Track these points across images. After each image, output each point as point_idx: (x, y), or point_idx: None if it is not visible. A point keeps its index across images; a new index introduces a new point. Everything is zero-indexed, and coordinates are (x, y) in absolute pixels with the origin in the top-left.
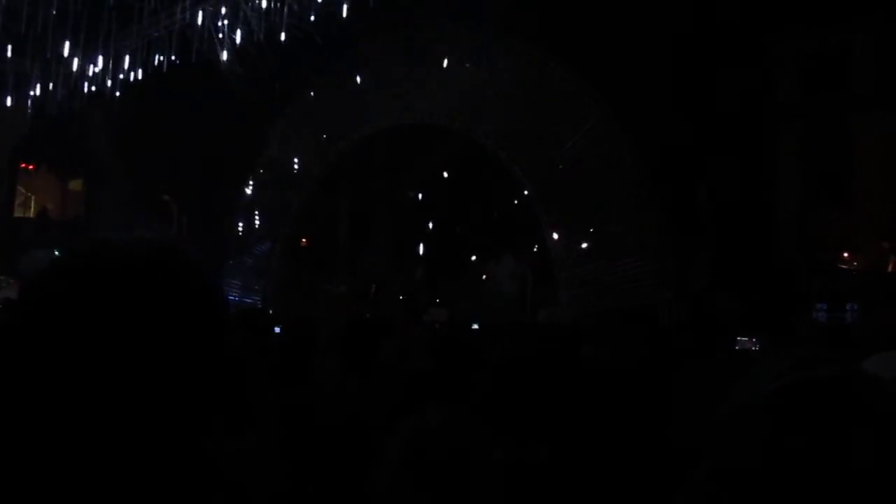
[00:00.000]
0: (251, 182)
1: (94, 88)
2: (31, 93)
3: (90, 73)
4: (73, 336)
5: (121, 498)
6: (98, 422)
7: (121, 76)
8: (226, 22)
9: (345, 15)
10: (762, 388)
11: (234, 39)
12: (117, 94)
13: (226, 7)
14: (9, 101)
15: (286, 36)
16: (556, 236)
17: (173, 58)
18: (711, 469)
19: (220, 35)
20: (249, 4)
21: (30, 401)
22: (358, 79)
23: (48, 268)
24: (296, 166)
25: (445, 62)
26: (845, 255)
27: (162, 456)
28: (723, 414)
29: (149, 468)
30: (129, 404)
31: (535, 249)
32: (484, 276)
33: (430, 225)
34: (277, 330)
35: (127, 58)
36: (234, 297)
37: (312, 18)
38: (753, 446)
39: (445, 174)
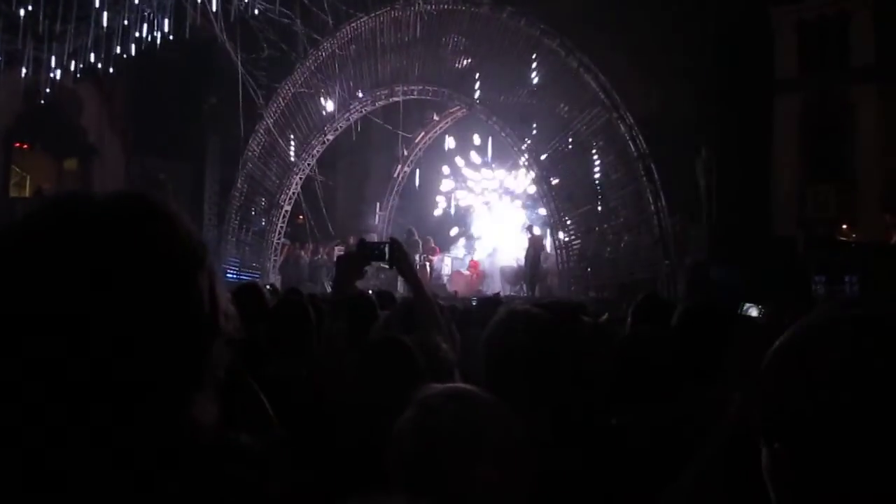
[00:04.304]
0: (247, 159)
1: (87, 65)
2: (24, 71)
3: (83, 51)
4: (41, 286)
5: (89, 459)
6: (67, 377)
7: (114, 51)
8: None
9: None
10: (830, 315)
11: (230, 13)
12: (111, 70)
13: None
14: (1, 80)
15: (280, 9)
16: (556, 212)
17: (167, 33)
18: (773, 389)
19: (214, 10)
20: None
21: None
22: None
23: (18, 220)
24: (293, 143)
25: (447, 39)
26: (844, 227)
27: (137, 417)
28: (785, 339)
29: (120, 430)
30: (98, 355)
31: (534, 227)
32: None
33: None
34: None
35: (119, 34)
36: (233, 274)
37: None
38: (825, 367)
39: None
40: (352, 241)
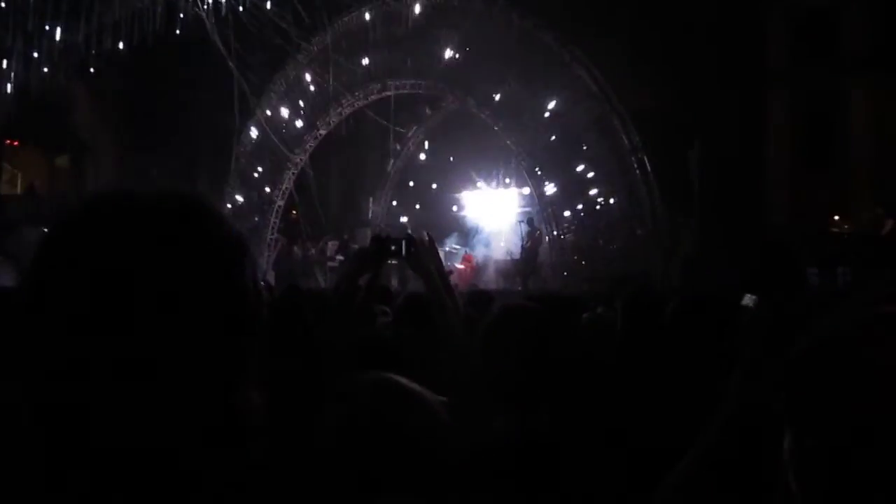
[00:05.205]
0: (240, 155)
1: (78, 62)
2: (14, 67)
3: (74, 47)
4: (99, 284)
5: (152, 448)
6: (124, 372)
7: (105, 47)
8: None
9: None
10: (855, 319)
11: (220, 8)
12: (102, 66)
13: None
14: None
15: (271, 4)
16: (549, 206)
17: (158, 29)
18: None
19: (206, 5)
20: None
21: (55, 348)
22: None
23: (70, 214)
24: (285, 138)
25: (439, 32)
26: (836, 218)
27: (191, 407)
28: (806, 342)
29: (177, 420)
30: (155, 353)
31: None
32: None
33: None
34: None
35: (110, 30)
36: None
37: None
38: (847, 373)
39: None
40: (346, 236)
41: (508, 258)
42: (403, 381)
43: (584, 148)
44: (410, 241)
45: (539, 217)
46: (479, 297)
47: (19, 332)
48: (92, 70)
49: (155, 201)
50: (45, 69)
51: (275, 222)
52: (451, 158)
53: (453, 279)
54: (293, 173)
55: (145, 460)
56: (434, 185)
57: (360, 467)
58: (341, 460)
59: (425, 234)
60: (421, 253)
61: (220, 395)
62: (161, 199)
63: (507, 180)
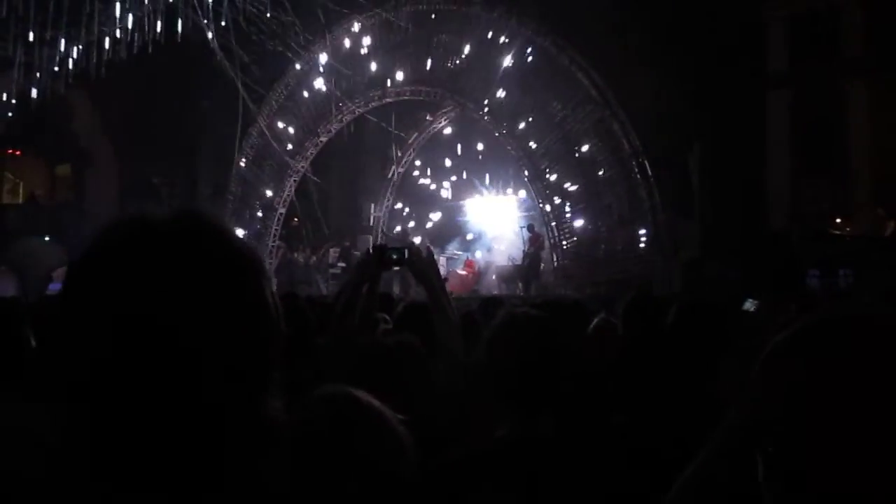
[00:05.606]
0: (241, 162)
1: (78, 71)
2: (15, 76)
3: (74, 56)
4: (129, 306)
5: (182, 462)
6: (154, 389)
7: (106, 56)
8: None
9: None
10: (823, 316)
11: (221, 15)
12: (102, 76)
13: None
14: None
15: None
16: (550, 210)
17: (158, 37)
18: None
19: (206, 13)
20: None
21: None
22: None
23: (93, 244)
24: (286, 145)
25: (439, 38)
26: (837, 220)
27: (218, 419)
28: (778, 341)
29: (204, 432)
30: (186, 374)
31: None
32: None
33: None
34: None
35: (110, 39)
36: None
37: None
38: (817, 369)
39: None
40: (347, 243)
41: (510, 263)
42: (360, 395)
43: (585, 152)
44: (412, 250)
45: (540, 222)
46: (490, 303)
47: (51, 368)
48: (93, 79)
49: (171, 227)
50: (46, 78)
51: (276, 229)
52: (450, 164)
53: (449, 287)
54: (294, 180)
55: (178, 470)
56: (437, 190)
57: (312, 482)
58: (295, 474)
59: (426, 243)
60: (421, 262)
61: (250, 405)
62: (176, 223)
63: (509, 190)
